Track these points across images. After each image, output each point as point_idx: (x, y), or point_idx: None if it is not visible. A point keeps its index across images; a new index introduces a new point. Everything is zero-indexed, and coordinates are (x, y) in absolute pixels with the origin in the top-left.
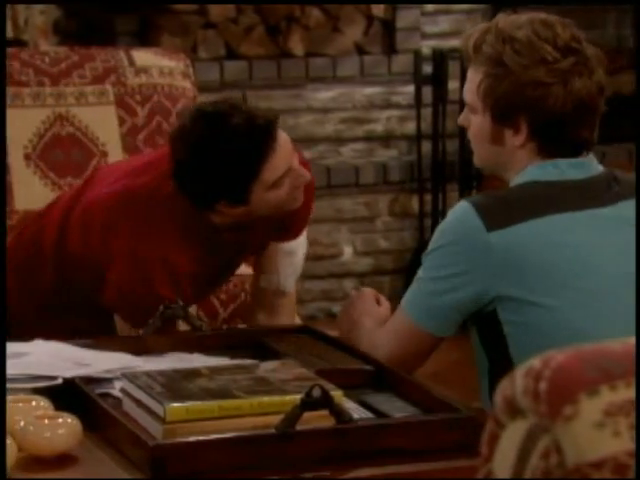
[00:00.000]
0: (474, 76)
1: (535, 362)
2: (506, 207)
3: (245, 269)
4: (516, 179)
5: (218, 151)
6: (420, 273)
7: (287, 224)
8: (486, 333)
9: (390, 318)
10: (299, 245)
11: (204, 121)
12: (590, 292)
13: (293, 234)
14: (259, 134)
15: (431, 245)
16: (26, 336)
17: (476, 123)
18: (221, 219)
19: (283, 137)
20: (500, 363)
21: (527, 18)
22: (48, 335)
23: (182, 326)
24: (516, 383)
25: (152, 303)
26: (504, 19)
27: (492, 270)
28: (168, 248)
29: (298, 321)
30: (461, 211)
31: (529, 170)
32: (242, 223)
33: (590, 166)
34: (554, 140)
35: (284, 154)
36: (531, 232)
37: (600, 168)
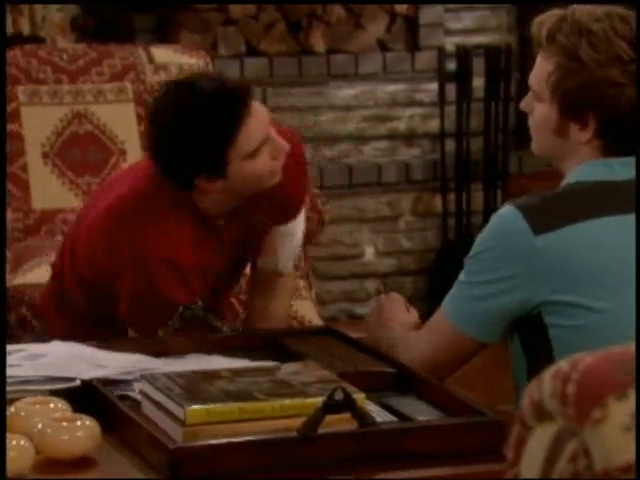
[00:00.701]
0: (545, 65)
1: (563, 364)
2: (553, 210)
3: None
4: (567, 177)
5: (191, 119)
6: (462, 277)
7: (283, 207)
8: (529, 337)
9: (429, 321)
10: (296, 225)
11: (175, 91)
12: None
13: (290, 215)
14: (232, 100)
15: (474, 249)
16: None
17: (542, 112)
18: (206, 201)
19: (258, 106)
20: (543, 367)
21: (605, 11)
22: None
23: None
24: (544, 386)
25: (164, 310)
26: (580, 9)
27: (539, 274)
28: (170, 246)
29: (301, 307)
30: (507, 214)
31: (580, 169)
32: (230, 205)
33: None
34: (620, 140)
35: (259, 121)
36: (579, 235)
37: None
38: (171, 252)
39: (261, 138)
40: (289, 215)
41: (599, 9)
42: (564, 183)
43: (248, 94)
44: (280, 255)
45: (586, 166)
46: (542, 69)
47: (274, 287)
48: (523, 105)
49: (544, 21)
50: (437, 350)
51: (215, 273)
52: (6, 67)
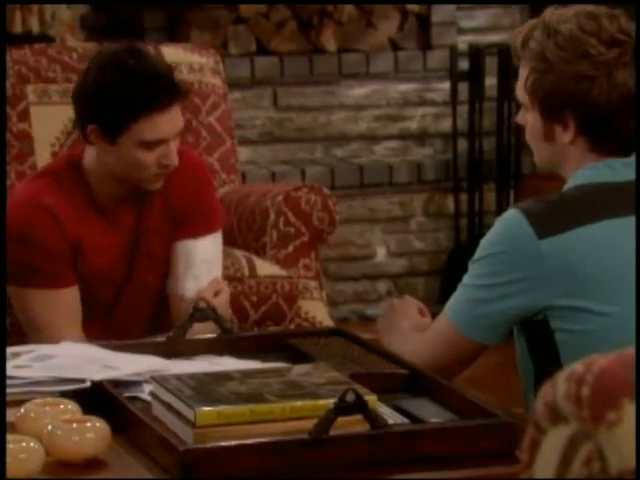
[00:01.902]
0: (522, 72)
1: (577, 366)
2: (557, 213)
3: (276, 270)
4: (570, 181)
5: (121, 74)
6: (466, 280)
7: (183, 216)
8: (535, 341)
9: (432, 324)
10: (198, 247)
11: (124, 49)
12: None
13: (188, 231)
14: (160, 87)
15: (479, 253)
16: None
17: (530, 121)
18: (92, 172)
19: (176, 114)
20: (550, 371)
21: (574, 11)
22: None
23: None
24: (558, 388)
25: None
26: (551, 14)
27: (544, 279)
28: (40, 191)
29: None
30: (511, 219)
31: (582, 172)
32: (116, 189)
33: None
34: (604, 135)
35: (168, 125)
36: (584, 238)
37: None
38: (41, 196)
39: (159, 137)
40: (186, 230)
41: (569, 11)
42: (566, 187)
43: (175, 94)
44: (179, 275)
45: (588, 169)
46: (521, 77)
47: (177, 314)
48: (518, 119)
49: (519, 31)
50: (440, 353)
51: (118, 252)
52: (14, 66)
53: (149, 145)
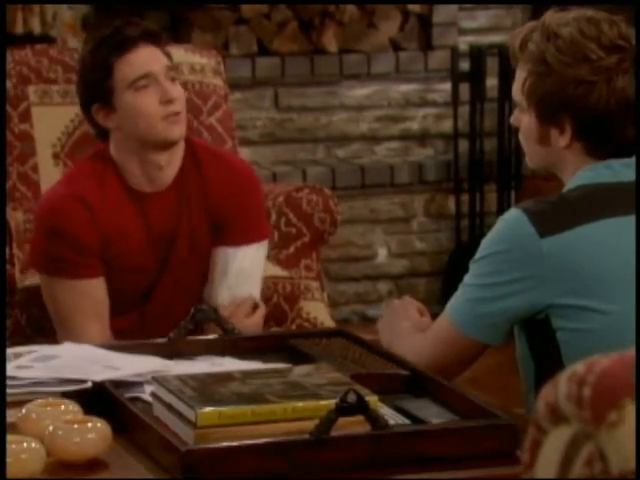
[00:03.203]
0: (520, 74)
1: (579, 367)
2: (558, 213)
3: (277, 270)
4: (569, 182)
5: (84, 53)
6: (467, 280)
7: (225, 221)
8: (537, 341)
9: (433, 324)
10: (236, 257)
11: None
12: None
13: (228, 238)
14: (117, 33)
15: (480, 252)
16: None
17: (525, 123)
18: (119, 153)
19: (152, 50)
20: (551, 371)
21: (574, 15)
22: None
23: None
24: (559, 388)
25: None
26: (551, 16)
27: (545, 278)
28: (77, 186)
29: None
30: (512, 218)
31: (581, 173)
32: (145, 168)
33: None
34: (600, 140)
35: (143, 56)
36: (585, 237)
37: None
38: (79, 190)
39: (141, 72)
40: (228, 238)
41: (569, 14)
42: (566, 188)
43: (142, 36)
44: (215, 283)
45: (587, 170)
46: (519, 79)
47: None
48: (512, 120)
49: (518, 33)
50: (441, 353)
51: (138, 246)
52: (16, 67)
53: (137, 86)
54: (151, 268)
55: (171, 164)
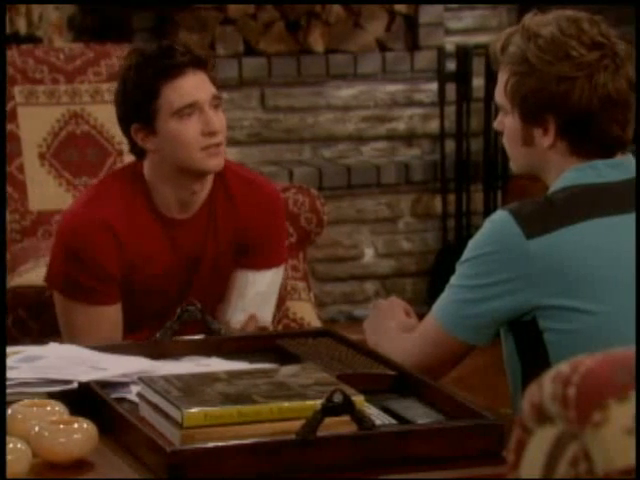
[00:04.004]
0: (502, 77)
1: (563, 367)
2: (545, 214)
3: None
4: (555, 184)
5: (129, 71)
6: (453, 281)
7: (249, 245)
8: (524, 341)
9: (420, 324)
10: (256, 280)
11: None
12: (633, 296)
13: (250, 262)
14: (165, 56)
15: (467, 254)
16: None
17: (508, 125)
18: (153, 176)
19: (201, 77)
20: (538, 371)
21: (553, 16)
22: None
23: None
24: (544, 388)
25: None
26: (530, 19)
27: (532, 279)
28: (103, 208)
29: None
30: (499, 220)
31: (566, 174)
32: (177, 194)
33: (629, 167)
34: (584, 139)
35: (192, 84)
36: (571, 238)
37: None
38: (105, 213)
39: (188, 101)
40: (250, 261)
41: (549, 16)
42: (552, 190)
43: (191, 62)
44: (231, 303)
45: (572, 171)
46: (501, 82)
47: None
48: (496, 124)
49: (498, 38)
50: (427, 353)
51: (163, 270)
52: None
53: (181, 114)
54: (173, 290)
55: (204, 190)
